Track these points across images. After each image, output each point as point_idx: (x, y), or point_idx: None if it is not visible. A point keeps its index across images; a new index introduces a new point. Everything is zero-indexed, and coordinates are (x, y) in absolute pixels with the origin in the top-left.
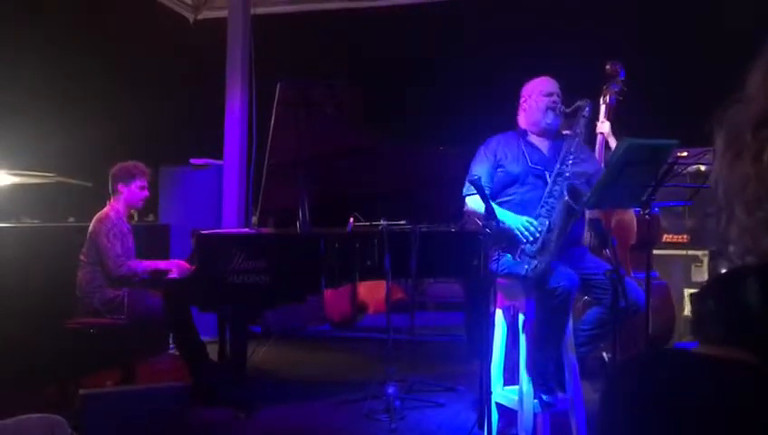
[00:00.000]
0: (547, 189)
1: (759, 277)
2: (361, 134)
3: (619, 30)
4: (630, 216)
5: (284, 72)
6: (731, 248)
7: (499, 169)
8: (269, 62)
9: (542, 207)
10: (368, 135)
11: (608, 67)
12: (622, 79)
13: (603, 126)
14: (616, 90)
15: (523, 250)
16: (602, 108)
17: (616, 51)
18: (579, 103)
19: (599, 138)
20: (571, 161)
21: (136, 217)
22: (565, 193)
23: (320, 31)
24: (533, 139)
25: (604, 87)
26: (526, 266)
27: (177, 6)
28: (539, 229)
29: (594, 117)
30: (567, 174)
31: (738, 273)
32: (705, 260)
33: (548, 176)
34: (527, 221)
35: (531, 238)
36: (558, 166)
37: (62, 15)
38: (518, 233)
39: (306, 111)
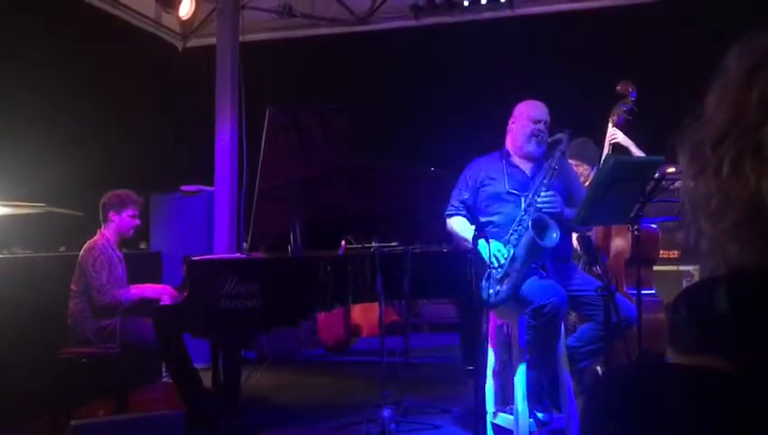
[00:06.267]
0: (518, 217)
1: (728, 285)
2: (352, 157)
3: (608, 44)
4: (626, 231)
5: (274, 97)
6: (706, 263)
7: (482, 190)
8: (258, 88)
9: (512, 234)
10: (358, 158)
11: (618, 87)
12: (633, 99)
13: (616, 134)
14: (625, 109)
15: (490, 274)
16: (609, 126)
17: (609, 66)
18: (558, 136)
19: (606, 145)
20: (543, 192)
21: (125, 249)
22: (530, 227)
23: (309, 56)
24: (516, 160)
25: (614, 107)
26: (491, 291)
27: (165, 35)
28: (505, 256)
29: (602, 133)
30: (537, 205)
31: (708, 281)
32: (697, 275)
33: (523, 201)
34: (497, 250)
35: (496, 265)
36: (530, 197)
37: (50, 45)
38: (485, 258)
39: (296, 135)
